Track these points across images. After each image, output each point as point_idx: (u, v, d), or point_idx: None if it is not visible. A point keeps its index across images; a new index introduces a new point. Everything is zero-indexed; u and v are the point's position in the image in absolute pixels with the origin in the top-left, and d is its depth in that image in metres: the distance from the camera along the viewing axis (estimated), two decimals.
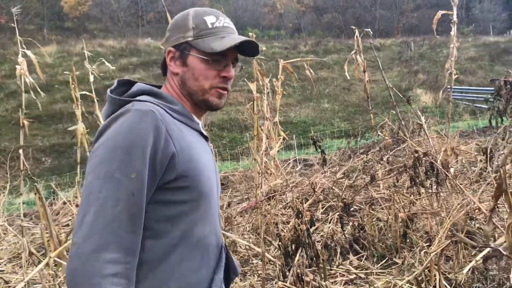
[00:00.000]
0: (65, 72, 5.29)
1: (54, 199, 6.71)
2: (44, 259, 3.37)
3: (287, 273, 2.89)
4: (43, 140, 16.70)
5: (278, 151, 5.48)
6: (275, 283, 3.13)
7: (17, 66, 3.84)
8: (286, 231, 3.42)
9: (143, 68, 23.22)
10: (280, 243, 2.94)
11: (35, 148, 15.99)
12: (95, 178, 1.11)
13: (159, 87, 1.37)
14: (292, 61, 4.74)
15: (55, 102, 18.89)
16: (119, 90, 1.32)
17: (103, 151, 1.13)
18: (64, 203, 5.91)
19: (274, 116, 4.92)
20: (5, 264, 4.58)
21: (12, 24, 4.01)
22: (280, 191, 4.72)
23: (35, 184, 3.48)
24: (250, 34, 4.24)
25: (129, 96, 1.27)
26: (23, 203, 6.45)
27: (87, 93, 5.17)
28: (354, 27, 5.35)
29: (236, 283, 3.28)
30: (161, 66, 1.38)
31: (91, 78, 5.57)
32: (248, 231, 4.49)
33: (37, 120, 16.08)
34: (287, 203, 4.96)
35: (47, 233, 3.73)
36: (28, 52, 3.75)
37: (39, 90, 3.60)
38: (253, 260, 3.75)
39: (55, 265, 3.52)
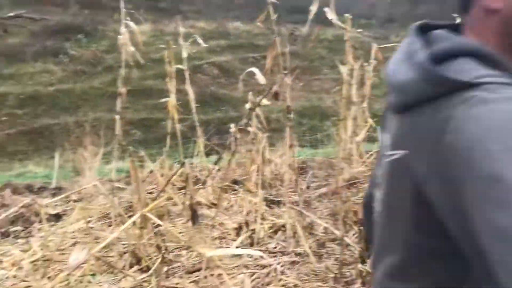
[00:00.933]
0: (161, 46, 5.52)
1: (141, 167, 7.06)
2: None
3: (366, 259, 2.84)
4: (133, 113, 17.61)
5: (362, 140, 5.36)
6: (352, 268, 3.09)
7: (119, 37, 4.05)
8: None
9: (230, 51, 23.63)
10: (361, 228, 2.88)
11: (125, 120, 16.91)
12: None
13: (456, 27, 0.87)
14: (386, 46, 4.60)
15: (146, 78, 19.78)
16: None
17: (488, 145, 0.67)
18: (151, 171, 6.20)
19: (363, 102, 4.82)
20: (95, 222, 4.91)
21: None
22: (362, 180, 4.63)
23: (129, 148, 3.69)
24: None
25: (440, 58, 0.77)
26: (115, 172, 6.87)
27: (181, 67, 5.37)
28: (455, 15, 5.04)
29: (311, 263, 3.28)
30: (461, 3, 0.86)
31: (184, 54, 5.76)
32: (326, 216, 4.45)
33: (129, 94, 17.00)
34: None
35: (136, 197, 3.95)
36: (131, 24, 3.94)
37: (139, 58, 3.77)
38: (329, 244, 3.72)
39: (141, 227, 3.72)
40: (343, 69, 3.84)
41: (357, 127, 4.86)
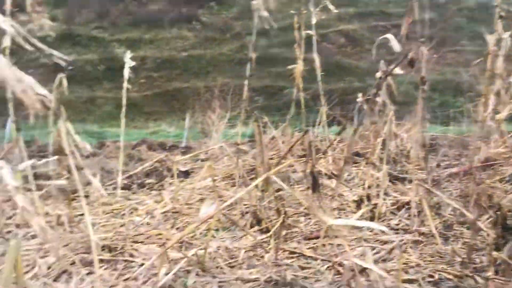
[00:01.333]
0: (291, 12, 5.49)
1: (263, 133, 7.22)
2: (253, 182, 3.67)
3: (501, 247, 2.60)
4: (257, 81, 18.01)
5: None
6: (483, 255, 2.86)
7: (253, 2, 4.08)
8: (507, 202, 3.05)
9: (359, 19, 22.82)
10: (498, 212, 2.63)
11: (249, 86, 17.39)
12: None
13: None
14: None
15: (272, 46, 20.02)
16: None
17: None
18: (273, 138, 6.31)
19: (509, 76, 4.32)
20: (219, 182, 5.15)
21: None
22: (501, 162, 4.21)
23: (255, 112, 3.77)
24: None
25: None
26: (238, 135, 7.12)
27: (310, 32, 5.30)
28: None
29: (436, 244, 3.09)
30: None
31: (313, 20, 5.67)
32: (455, 197, 4.16)
33: (255, 61, 17.38)
34: (505, 177, 4.42)
35: (259, 160, 4.03)
36: None
37: (272, 23, 3.79)
38: (457, 227, 3.48)
39: (262, 190, 3.81)
40: (490, 39, 3.45)
41: (499, 104, 4.39)
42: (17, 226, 3.89)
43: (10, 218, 4.02)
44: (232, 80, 14.71)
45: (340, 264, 2.80)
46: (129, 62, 4.89)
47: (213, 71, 17.86)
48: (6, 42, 3.46)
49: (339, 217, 3.71)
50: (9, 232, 3.75)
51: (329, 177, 4.81)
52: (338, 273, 2.77)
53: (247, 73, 4.36)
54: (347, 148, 4.53)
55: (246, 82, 4.33)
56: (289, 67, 5.39)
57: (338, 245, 2.94)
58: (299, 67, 5.03)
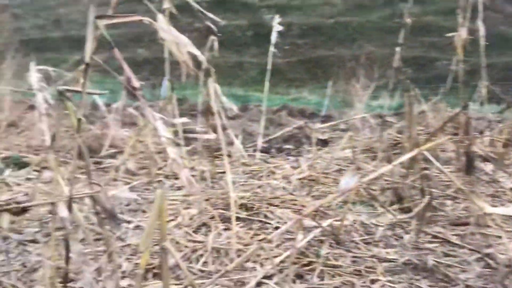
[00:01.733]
0: None
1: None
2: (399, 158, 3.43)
3: None
4: (406, 51, 16.94)
5: None
6: None
7: None
8: None
9: None
10: None
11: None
12: None
13: None
14: None
15: (426, 14, 18.58)
16: None
17: None
18: (422, 112, 5.86)
19: None
20: (358, 154, 4.96)
21: None
22: None
23: (406, 81, 3.49)
24: None
25: None
26: (382, 107, 6.77)
27: None
28: None
29: None
30: None
31: None
32: None
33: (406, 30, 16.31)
34: None
35: (406, 135, 3.77)
36: None
37: None
38: None
39: (408, 167, 3.56)
40: None
41: None
42: (166, 177, 4.21)
43: (160, 169, 4.37)
44: (379, 49, 14.02)
45: (492, 257, 2.49)
46: (277, 27, 4.87)
47: (360, 39, 17.23)
48: (166, 4, 3.66)
49: (494, 205, 3.32)
50: (158, 181, 4.08)
51: (485, 160, 4.33)
52: (489, 266, 2.47)
53: (399, 40, 4.04)
54: (509, 129, 4.03)
55: (397, 49, 4.02)
56: (449, 34, 4.86)
57: (491, 235, 2.62)
58: (461, 36, 4.50)
